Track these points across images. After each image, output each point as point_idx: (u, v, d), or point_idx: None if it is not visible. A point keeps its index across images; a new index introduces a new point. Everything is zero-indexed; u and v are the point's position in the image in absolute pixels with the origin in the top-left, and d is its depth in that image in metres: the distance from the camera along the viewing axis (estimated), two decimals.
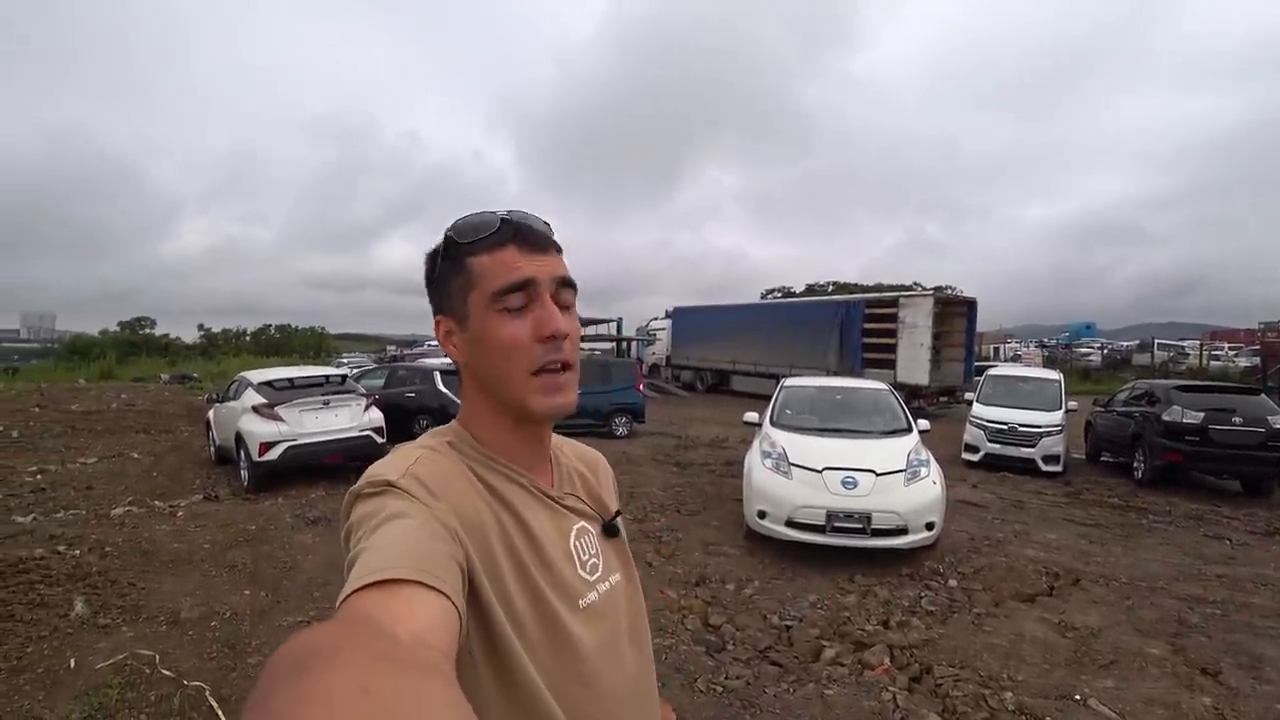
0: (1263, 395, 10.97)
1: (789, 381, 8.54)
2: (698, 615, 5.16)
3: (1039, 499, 9.52)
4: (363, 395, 10.06)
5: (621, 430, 14.54)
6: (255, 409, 9.06)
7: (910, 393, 18.37)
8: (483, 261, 0.90)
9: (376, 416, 9.95)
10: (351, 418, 9.63)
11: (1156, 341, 39.18)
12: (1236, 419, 9.94)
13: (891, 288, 35.61)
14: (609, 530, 1.08)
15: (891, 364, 18.79)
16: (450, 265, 0.93)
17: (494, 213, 0.93)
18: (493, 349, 0.91)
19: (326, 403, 9.43)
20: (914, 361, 18.34)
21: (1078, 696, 4.12)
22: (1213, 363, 34.98)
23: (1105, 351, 45.32)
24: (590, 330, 31.77)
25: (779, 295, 50.45)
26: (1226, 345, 43.68)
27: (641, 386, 15.62)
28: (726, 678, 4.22)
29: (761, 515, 6.36)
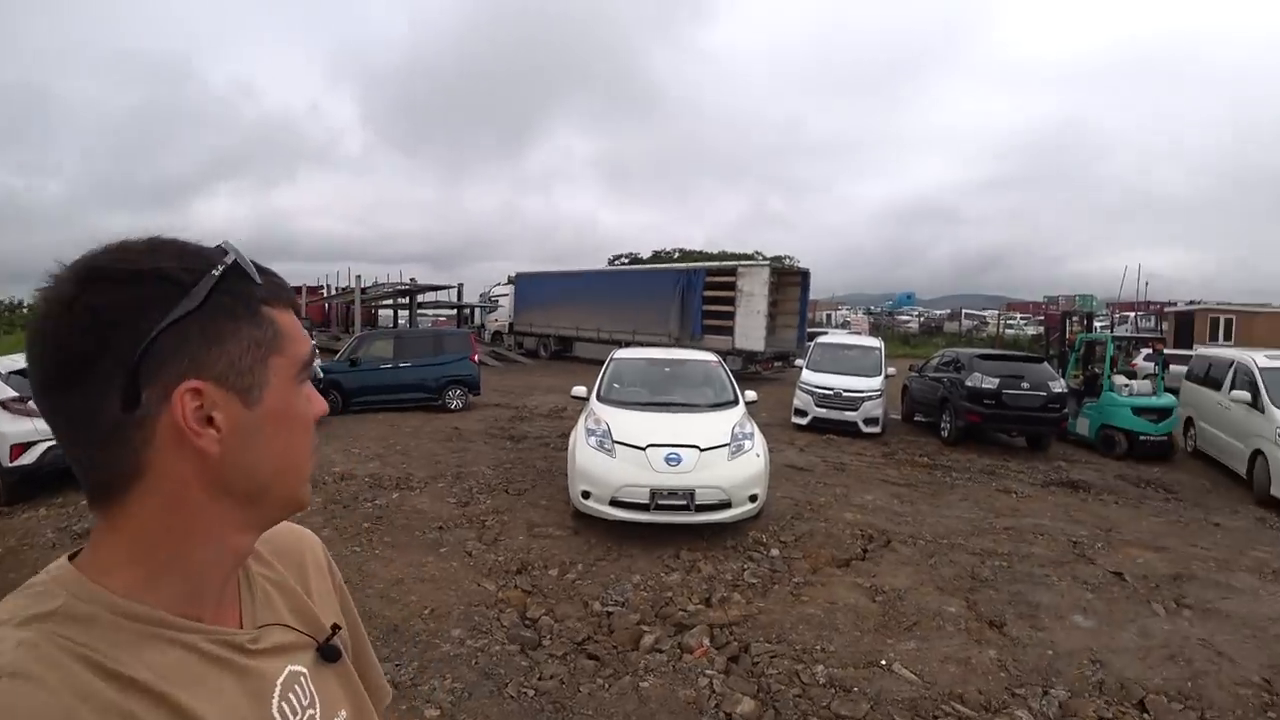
0: (1045, 363, 12.27)
1: (618, 354, 8.35)
2: (515, 608, 4.85)
3: (859, 460, 10.06)
4: None
5: (456, 404, 13.81)
6: (3, 404, 7.53)
7: (747, 358, 19.02)
8: (284, 318, 0.69)
9: None
10: None
11: (964, 311, 43.57)
12: (1024, 384, 11.03)
13: (735, 256, 36.66)
14: (327, 654, 0.79)
15: (730, 330, 19.31)
16: (233, 310, 0.65)
17: (222, 249, 0.66)
18: (297, 433, 0.71)
19: None
20: (751, 328, 18.93)
21: (884, 662, 4.24)
22: (1008, 331, 39.63)
23: (923, 319, 49.99)
24: (430, 297, 30.24)
25: (626, 262, 50.67)
26: (1019, 316, 49.26)
27: (477, 357, 14.92)
28: (540, 678, 3.95)
29: (586, 495, 6.14)
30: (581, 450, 6.33)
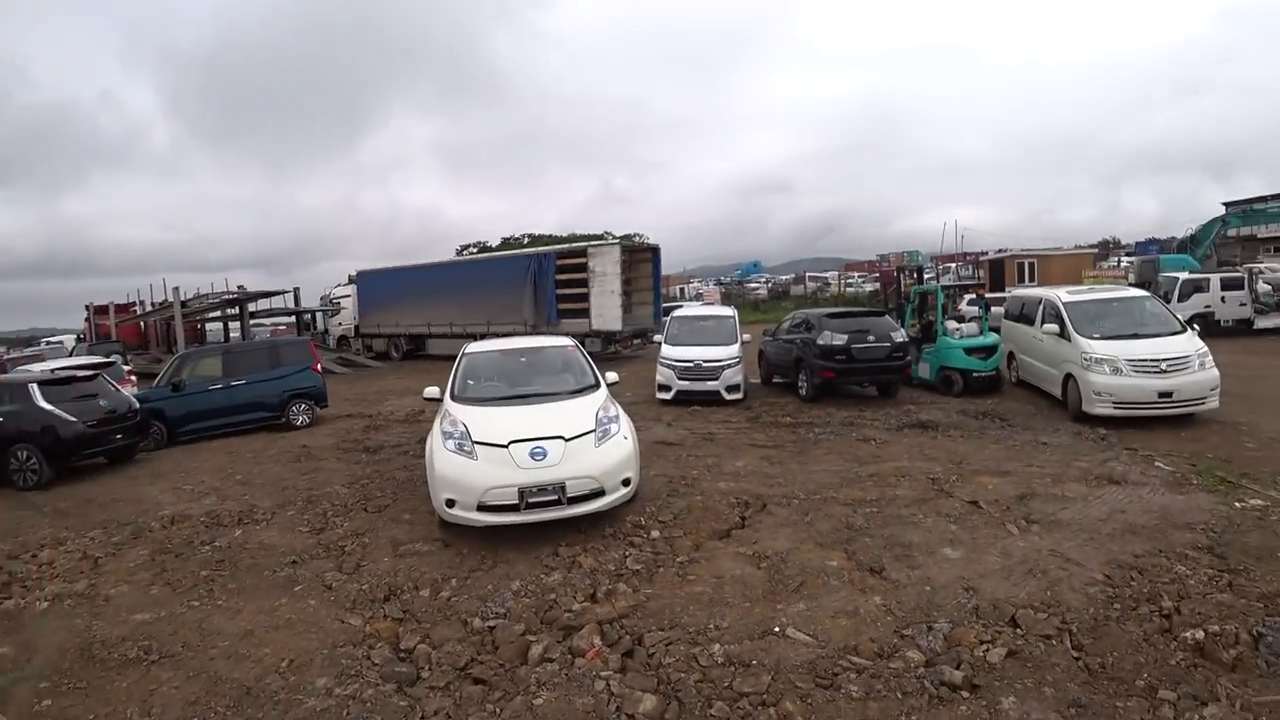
0: (886, 316, 12.99)
1: (470, 348, 7.86)
2: (386, 641, 4.36)
3: (726, 428, 10.17)
4: None
5: (302, 419, 12.65)
6: None
7: (606, 339, 18.90)
8: None
9: None
10: None
11: (807, 275, 46.23)
12: (870, 337, 11.61)
13: (586, 238, 36.48)
14: None
15: (586, 313, 19.09)
16: None
17: None
18: None
19: None
20: (607, 308, 18.81)
21: (777, 629, 4.18)
22: (848, 289, 42.45)
23: (770, 285, 52.45)
24: (264, 304, 27.74)
25: (475, 251, 49.15)
26: (857, 275, 52.88)
27: (320, 366, 13.75)
28: (422, 717, 3.54)
29: (450, 504, 5.67)
30: (440, 455, 5.85)
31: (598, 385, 6.97)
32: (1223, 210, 31.03)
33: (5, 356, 28.57)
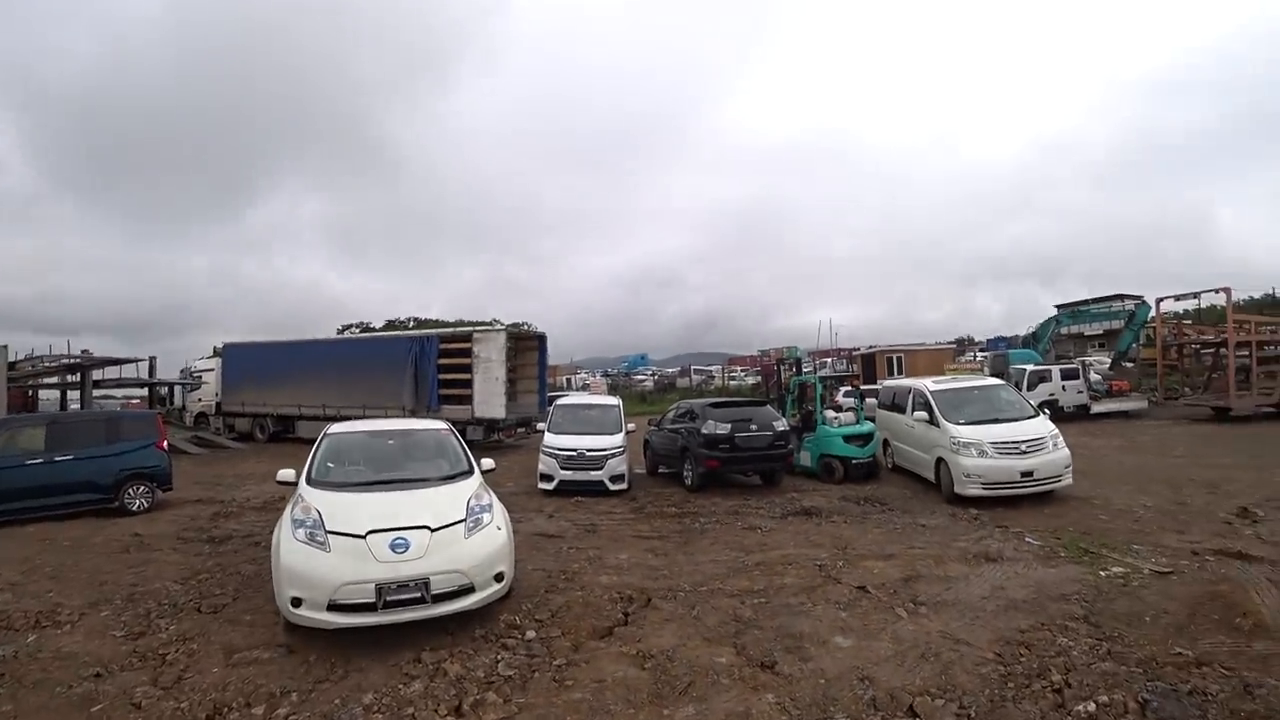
0: (768, 405, 13.20)
1: (333, 428, 7.16)
2: None
3: (610, 519, 9.74)
4: None
5: (139, 504, 11.00)
6: None
7: (489, 426, 18.16)
8: None
9: None
10: None
11: (693, 368, 47.45)
12: (753, 426, 11.67)
13: (473, 323, 35.70)
14: None
15: (469, 399, 18.35)
16: None
17: None
18: None
19: None
20: (490, 395, 18.17)
21: None
22: (731, 382, 43.78)
23: (656, 377, 53.35)
24: (112, 372, 24.92)
25: (357, 331, 47.13)
26: (739, 368, 54.72)
27: (166, 443, 12.20)
28: None
29: (296, 603, 4.90)
30: (286, 545, 5.09)
31: (471, 471, 6.44)
32: (1055, 311, 34.71)
33: None
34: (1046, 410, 13.22)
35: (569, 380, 47.18)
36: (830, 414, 13.00)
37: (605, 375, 55.09)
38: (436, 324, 43.09)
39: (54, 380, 24.30)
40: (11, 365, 20.92)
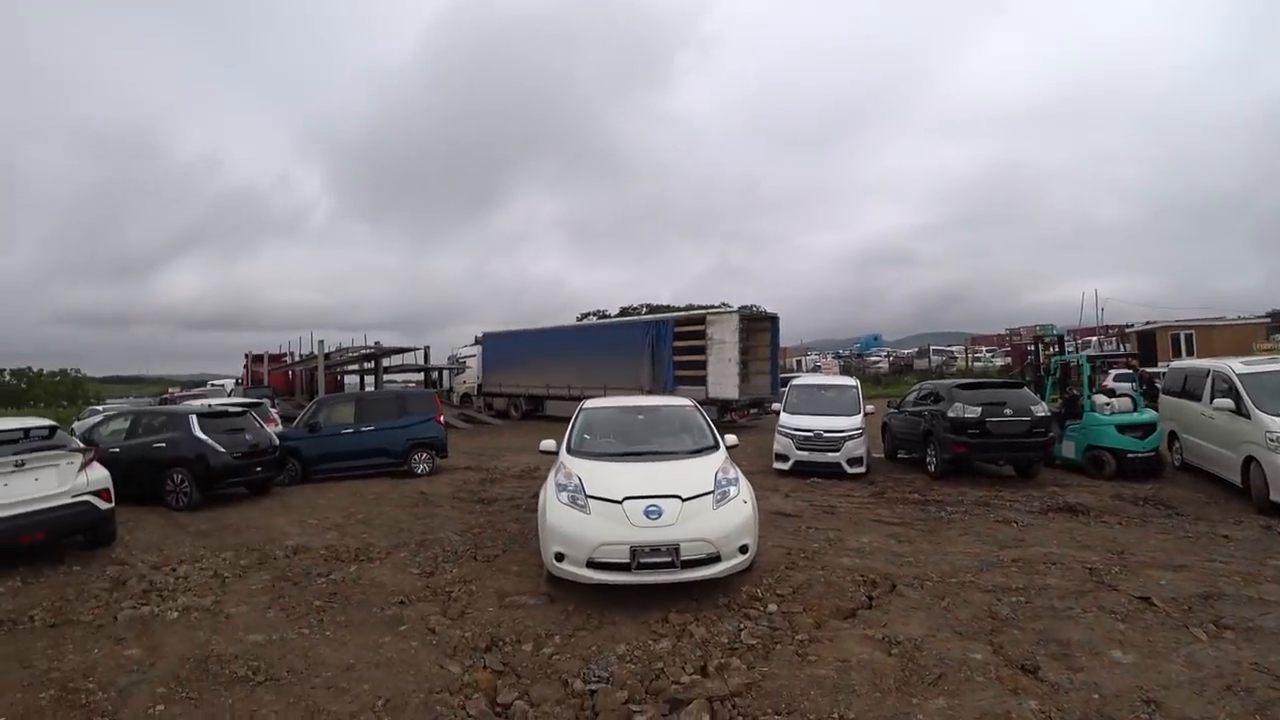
0: (1025, 388, 11.98)
1: (588, 403, 7.81)
2: (484, 693, 4.18)
3: (848, 502, 9.55)
4: (77, 450, 7.94)
5: (422, 468, 13.10)
6: None
7: (722, 407, 18.55)
8: None
9: (100, 476, 7.89)
10: (60, 480, 7.53)
11: (931, 348, 44.28)
12: (1007, 410, 10.69)
13: (705, 307, 36.61)
14: None
15: (703, 380, 18.87)
16: None
17: None
18: None
19: (20, 464, 7.27)
20: (724, 376, 18.53)
21: None
22: (975, 363, 40.15)
23: (891, 359, 50.69)
24: (396, 360, 29.55)
25: (595, 318, 50.44)
26: (984, 348, 50.16)
27: (443, 418, 14.24)
28: None
29: (559, 558, 5.50)
30: (553, 508, 5.72)
31: (717, 446, 6.71)
32: None
33: (177, 395, 32.06)
34: None
35: (799, 362, 46.48)
36: (1101, 399, 11.48)
37: (836, 356, 53.39)
38: (667, 309, 44.67)
39: (355, 367, 29.19)
40: (326, 356, 25.78)
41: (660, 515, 5.39)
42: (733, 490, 5.81)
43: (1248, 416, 8.88)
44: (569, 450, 6.66)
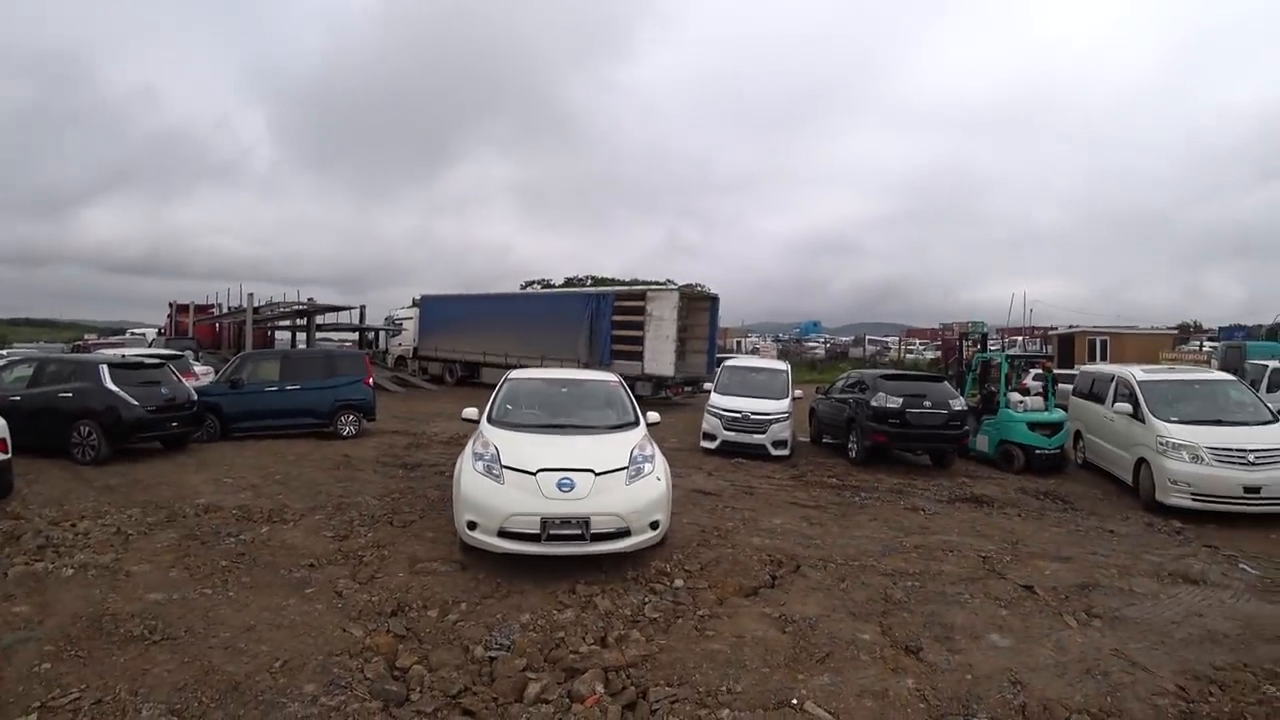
0: (945, 382, 12.42)
1: (514, 374, 7.78)
2: (384, 656, 4.18)
3: (768, 483, 9.78)
4: None
5: (348, 430, 12.83)
6: None
7: (658, 384, 18.70)
8: None
9: None
10: None
11: (867, 338, 45.48)
12: (927, 403, 11.08)
13: (648, 283, 36.57)
14: None
15: (640, 355, 18.96)
16: None
17: None
18: None
19: None
20: (661, 353, 18.66)
21: (795, 700, 3.82)
22: (908, 355, 41.54)
23: (828, 346, 51.83)
24: (330, 318, 28.76)
25: (538, 287, 49.95)
26: (918, 341, 51.75)
27: (373, 380, 13.95)
28: None
29: (472, 526, 5.51)
30: (467, 476, 5.71)
31: (637, 423, 6.77)
32: None
33: (92, 342, 30.39)
34: None
35: (739, 343, 47.03)
36: (1015, 397, 12.01)
37: (776, 340, 54.28)
38: (613, 282, 44.46)
39: (286, 323, 28.39)
40: (256, 310, 25.01)
41: (573, 488, 5.43)
42: (647, 467, 5.89)
43: (1143, 421, 9.42)
44: (489, 420, 6.64)
